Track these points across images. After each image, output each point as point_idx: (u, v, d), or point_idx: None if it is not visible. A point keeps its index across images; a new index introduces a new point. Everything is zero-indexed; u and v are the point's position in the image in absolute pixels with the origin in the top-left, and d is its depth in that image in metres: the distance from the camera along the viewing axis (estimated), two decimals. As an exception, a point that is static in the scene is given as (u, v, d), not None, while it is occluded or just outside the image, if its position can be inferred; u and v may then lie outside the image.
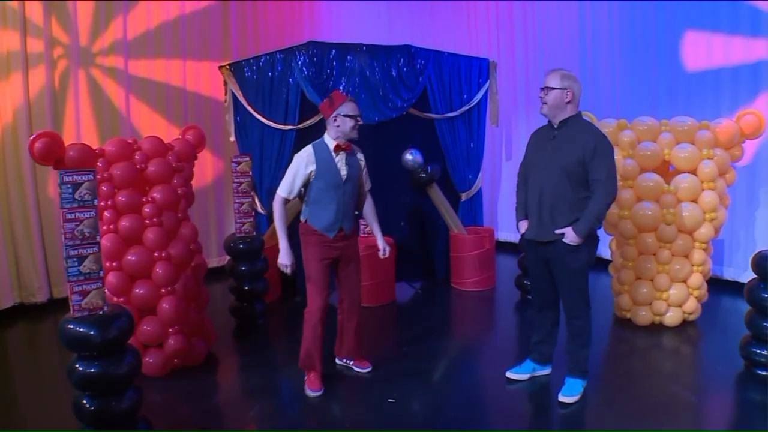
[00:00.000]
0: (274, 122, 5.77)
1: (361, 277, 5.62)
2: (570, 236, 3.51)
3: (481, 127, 6.41)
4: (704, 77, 6.01)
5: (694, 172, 4.77)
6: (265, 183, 5.90)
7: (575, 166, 3.49)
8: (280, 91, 5.71)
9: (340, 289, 4.11)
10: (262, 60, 5.73)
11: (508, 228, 7.99)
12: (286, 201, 3.78)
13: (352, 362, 4.28)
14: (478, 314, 5.72)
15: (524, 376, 4.03)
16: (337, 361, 4.33)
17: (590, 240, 3.59)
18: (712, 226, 4.78)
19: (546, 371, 4.08)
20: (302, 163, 3.70)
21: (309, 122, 5.81)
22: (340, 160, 3.77)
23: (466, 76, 6.22)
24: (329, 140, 3.75)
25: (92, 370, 2.87)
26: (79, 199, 2.77)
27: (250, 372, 4.41)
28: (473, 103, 6.28)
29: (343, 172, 3.79)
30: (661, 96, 6.26)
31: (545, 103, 3.58)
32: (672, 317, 4.90)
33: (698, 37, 6.03)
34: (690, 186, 4.71)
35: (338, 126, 3.68)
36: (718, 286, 5.72)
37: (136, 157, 4.20)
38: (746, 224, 5.84)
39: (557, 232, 3.54)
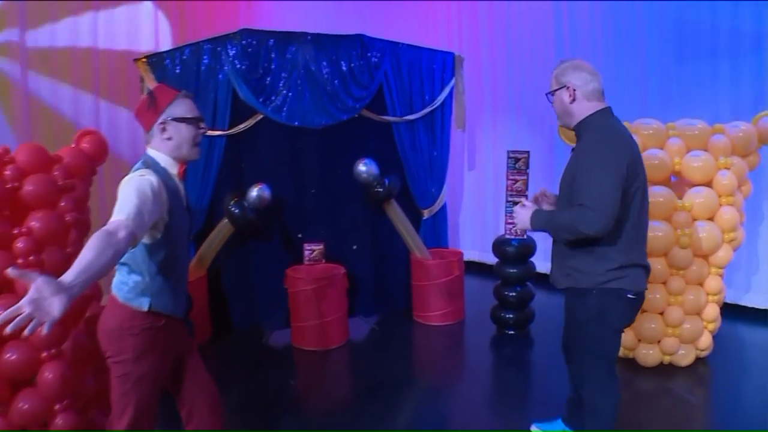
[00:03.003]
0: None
1: (309, 316, 4.74)
2: (519, 215, 2.74)
3: (446, 133, 5.59)
4: (701, 80, 5.38)
5: (707, 184, 4.04)
6: (189, 201, 4.83)
7: (571, 192, 2.61)
8: (207, 88, 4.74)
9: (193, 391, 2.61)
10: (186, 52, 4.74)
11: (473, 245, 7.14)
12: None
13: None
14: (449, 355, 4.81)
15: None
16: None
17: (607, 293, 2.62)
18: (731, 248, 4.08)
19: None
20: (149, 193, 2.12)
21: (242, 126, 4.82)
22: (182, 190, 2.45)
23: (428, 72, 5.38)
24: (169, 162, 2.35)
25: None
26: None
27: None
28: (436, 104, 5.45)
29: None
30: (651, 99, 5.56)
31: (556, 113, 2.80)
32: (684, 356, 4.18)
33: (689, 36, 5.40)
34: (706, 201, 3.98)
35: (169, 139, 2.33)
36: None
37: (6, 172, 3.16)
38: (748, 241, 5.15)
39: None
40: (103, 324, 2.36)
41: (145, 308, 2.29)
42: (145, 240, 2.23)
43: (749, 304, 5.25)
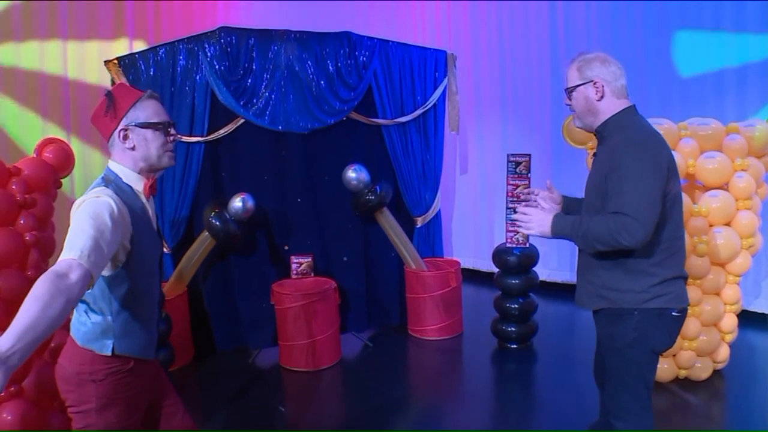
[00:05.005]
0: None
1: (298, 334, 4.42)
2: (535, 218, 2.37)
3: (439, 135, 5.29)
4: (704, 78, 5.15)
5: (722, 187, 3.80)
6: (167, 212, 4.50)
7: (600, 197, 2.30)
8: (184, 91, 4.43)
9: None
10: (160, 52, 4.41)
11: (467, 252, 6.85)
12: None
13: None
14: (448, 372, 4.52)
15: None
16: None
17: (649, 314, 2.32)
18: (749, 255, 3.85)
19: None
20: (107, 220, 1.77)
21: (222, 132, 4.51)
22: (150, 209, 2.11)
23: (419, 71, 5.08)
24: (133, 177, 2.01)
25: None
26: None
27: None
28: (429, 106, 5.15)
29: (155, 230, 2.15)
30: (652, 98, 5.31)
31: (574, 112, 2.44)
32: (701, 369, 3.93)
33: (695, 32, 5.17)
34: (723, 206, 3.73)
35: (132, 148, 1.98)
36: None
37: (-45, 186, 2.84)
38: (758, 245, 4.99)
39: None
40: (61, 368, 2.00)
41: (108, 352, 1.93)
42: (104, 272, 1.88)
43: (759, 310, 5.03)
